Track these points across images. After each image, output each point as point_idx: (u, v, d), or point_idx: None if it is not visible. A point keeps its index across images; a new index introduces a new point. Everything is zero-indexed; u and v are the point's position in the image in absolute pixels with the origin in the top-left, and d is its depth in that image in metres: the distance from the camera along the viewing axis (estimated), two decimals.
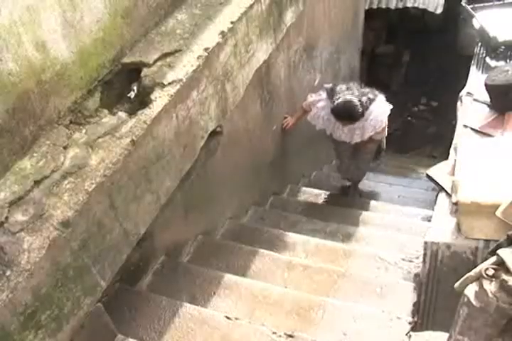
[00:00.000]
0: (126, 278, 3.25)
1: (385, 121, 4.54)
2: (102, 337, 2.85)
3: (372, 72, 9.27)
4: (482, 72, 4.82)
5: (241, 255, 4.00)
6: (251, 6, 3.36)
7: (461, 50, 8.03)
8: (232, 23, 3.18)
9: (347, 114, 4.26)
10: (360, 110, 4.21)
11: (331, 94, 4.39)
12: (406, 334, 3.23)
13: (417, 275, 3.86)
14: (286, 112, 5.11)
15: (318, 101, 4.59)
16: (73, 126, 2.52)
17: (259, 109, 4.47)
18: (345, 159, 5.38)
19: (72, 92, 2.55)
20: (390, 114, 4.56)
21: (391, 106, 4.47)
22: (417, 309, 3.53)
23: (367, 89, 4.41)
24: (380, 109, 4.41)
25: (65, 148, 2.41)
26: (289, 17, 4.14)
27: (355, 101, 4.20)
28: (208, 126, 3.23)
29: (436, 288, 3.41)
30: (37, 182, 2.25)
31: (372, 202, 5.64)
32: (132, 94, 2.80)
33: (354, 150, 5.16)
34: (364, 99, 4.26)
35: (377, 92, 4.42)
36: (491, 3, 5.52)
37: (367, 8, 7.56)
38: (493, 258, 1.90)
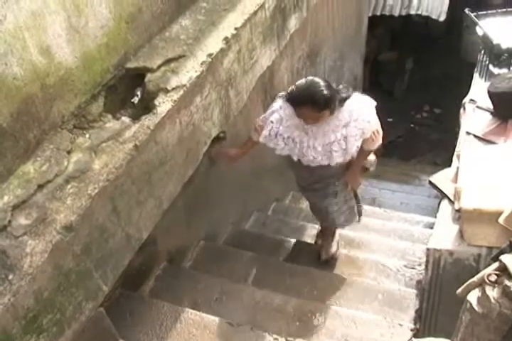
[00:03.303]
0: (128, 283, 3.25)
1: (376, 122, 3.32)
2: None
3: (375, 79, 9.29)
4: (485, 80, 4.83)
5: (243, 261, 4.00)
6: (255, 13, 3.38)
7: (465, 57, 8.05)
8: (236, 29, 3.19)
9: (308, 92, 3.03)
10: (327, 92, 3.00)
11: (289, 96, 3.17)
12: None
13: (419, 282, 3.86)
14: None
15: (272, 114, 3.35)
16: (77, 130, 2.53)
17: None
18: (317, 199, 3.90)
19: (76, 97, 2.56)
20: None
21: (374, 102, 3.28)
22: (419, 316, 3.52)
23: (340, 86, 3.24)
24: (360, 105, 3.22)
25: (68, 152, 2.41)
26: (293, 24, 4.15)
27: (321, 82, 3.05)
28: (211, 131, 3.24)
29: (439, 295, 3.40)
30: (40, 187, 2.25)
31: (375, 209, 5.63)
32: (136, 100, 2.80)
33: (326, 185, 3.71)
34: (334, 88, 3.12)
35: (351, 89, 3.25)
36: (494, 11, 5.55)
37: (370, 15, 7.57)
38: (496, 264, 1.90)
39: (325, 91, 3.00)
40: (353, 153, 3.36)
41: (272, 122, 3.35)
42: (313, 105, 3.03)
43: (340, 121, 3.21)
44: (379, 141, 3.42)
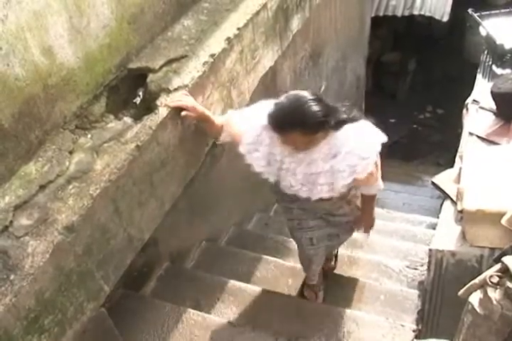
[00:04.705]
0: (130, 283, 3.25)
1: (375, 161, 2.63)
2: None
3: (378, 80, 9.29)
4: (488, 80, 4.82)
5: (245, 261, 4.00)
6: (257, 13, 3.37)
7: (468, 57, 8.04)
8: (238, 29, 3.18)
9: (296, 114, 2.36)
10: (319, 109, 2.33)
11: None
12: None
13: (421, 282, 3.85)
14: None
15: (256, 118, 2.65)
16: (79, 131, 2.53)
17: None
18: (303, 234, 3.25)
19: (78, 97, 2.56)
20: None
21: (385, 137, 2.56)
22: (421, 317, 3.52)
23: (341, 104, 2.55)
24: (361, 135, 2.54)
25: (70, 152, 2.41)
26: (296, 24, 4.15)
27: (309, 96, 2.37)
28: None
29: (441, 296, 3.39)
30: (42, 187, 2.25)
31: (378, 210, 5.62)
32: (138, 100, 2.80)
33: (319, 216, 3.12)
34: (329, 104, 2.43)
35: (358, 114, 2.56)
36: (497, 11, 5.53)
37: (373, 15, 7.57)
38: (498, 266, 1.90)
39: (316, 108, 2.34)
40: (340, 191, 2.69)
41: (248, 144, 2.70)
42: (304, 129, 2.38)
43: (331, 150, 2.54)
44: (377, 185, 2.83)
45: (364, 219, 3.25)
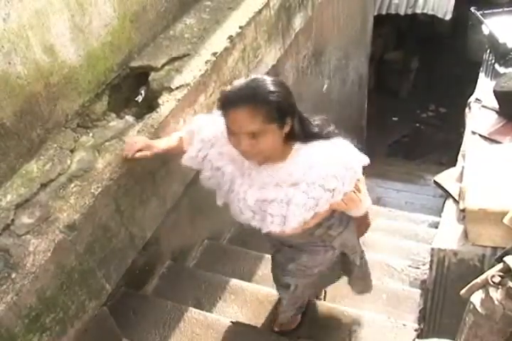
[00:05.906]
0: (131, 282, 3.25)
1: (350, 188, 2.09)
2: (107, 340, 2.85)
3: (381, 79, 9.28)
4: (491, 79, 4.80)
5: (247, 260, 3.99)
6: (260, 11, 3.37)
7: (470, 56, 8.03)
8: (240, 27, 3.18)
9: (250, 88, 1.92)
10: (280, 93, 1.93)
11: None
12: None
13: (423, 282, 3.84)
14: None
15: (206, 128, 2.30)
16: (80, 129, 2.53)
17: None
18: (277, 258, 2.81)
19: (79, 96, 2.56)
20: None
21: (365, 158, 2.12)
22: (423, 316, 3.51)
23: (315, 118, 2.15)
24: (333, 159, 2.03)
25: (71, 151, 2.41)
26: (298, 22, 4.14)
27: (270, 80, 1.96)
28: None
29: (443, 295, 3.39)
30: (43, 185, 2.26)
31: (380, 208, 5.62)
32: (140, 98, 2.80)
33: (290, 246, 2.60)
34: (300, 111, 2.07)
35: (334, 131, 2.13)
36: (500, 10, 5.51)
37: (376, 14, 7.55)
38: (500, 265, 1.89)
39: (269, 90, 1.92)
40: (294, 228, 2.14)
41: (202, 141, 2.28)
42: (256, 106, 1.88)
43: (290, 176, 2.06)
44: (362, 207, 2.23)
45: (360, 228, 2.63)
